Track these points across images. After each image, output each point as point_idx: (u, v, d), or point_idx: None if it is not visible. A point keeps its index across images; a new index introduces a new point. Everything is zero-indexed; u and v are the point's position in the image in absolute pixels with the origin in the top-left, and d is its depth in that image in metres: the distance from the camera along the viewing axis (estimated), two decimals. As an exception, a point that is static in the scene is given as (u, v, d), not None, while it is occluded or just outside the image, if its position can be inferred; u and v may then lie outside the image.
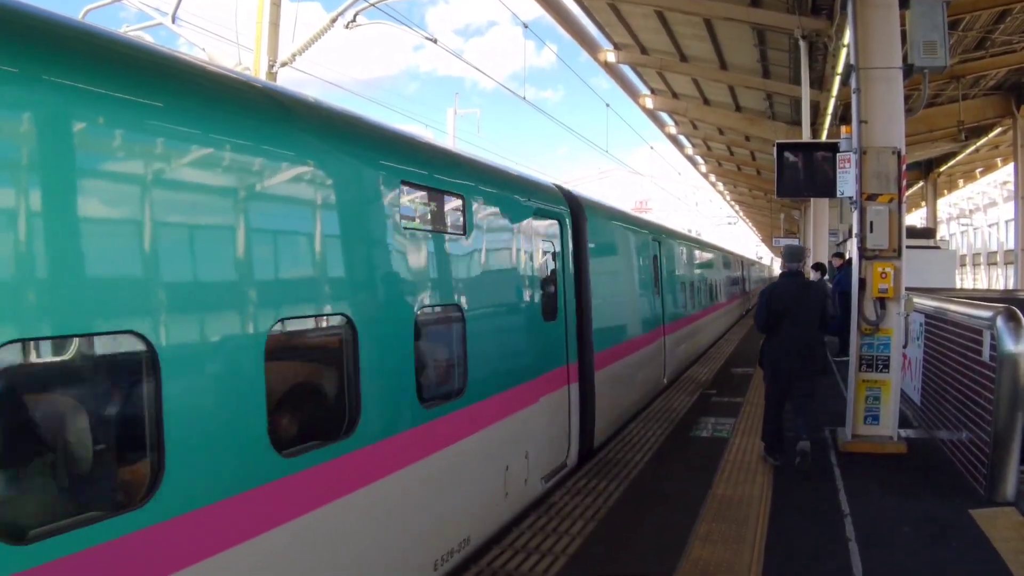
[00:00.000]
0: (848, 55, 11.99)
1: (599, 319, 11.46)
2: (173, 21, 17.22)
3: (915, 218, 61.61)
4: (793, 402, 10.46)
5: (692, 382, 17.43)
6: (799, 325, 10.11)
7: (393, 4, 18.03)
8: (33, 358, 4.22)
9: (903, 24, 10.97)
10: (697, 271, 24.72)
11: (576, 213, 10.88)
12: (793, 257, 10.99)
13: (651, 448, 11.22)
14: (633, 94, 34.90)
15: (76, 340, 4.19)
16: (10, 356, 3.67)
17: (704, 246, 29.34)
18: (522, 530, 7.79)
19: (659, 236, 17.59)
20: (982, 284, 76.10)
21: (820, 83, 25.01)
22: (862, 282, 10.84)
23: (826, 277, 20.64)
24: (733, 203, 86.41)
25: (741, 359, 21.35)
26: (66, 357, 4.38)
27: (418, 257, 6.55)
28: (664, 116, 40.70)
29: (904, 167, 10.85)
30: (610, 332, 12.41)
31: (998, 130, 31.87)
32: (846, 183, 11.02)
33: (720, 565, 6.87)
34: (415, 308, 6.40)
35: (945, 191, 59.57)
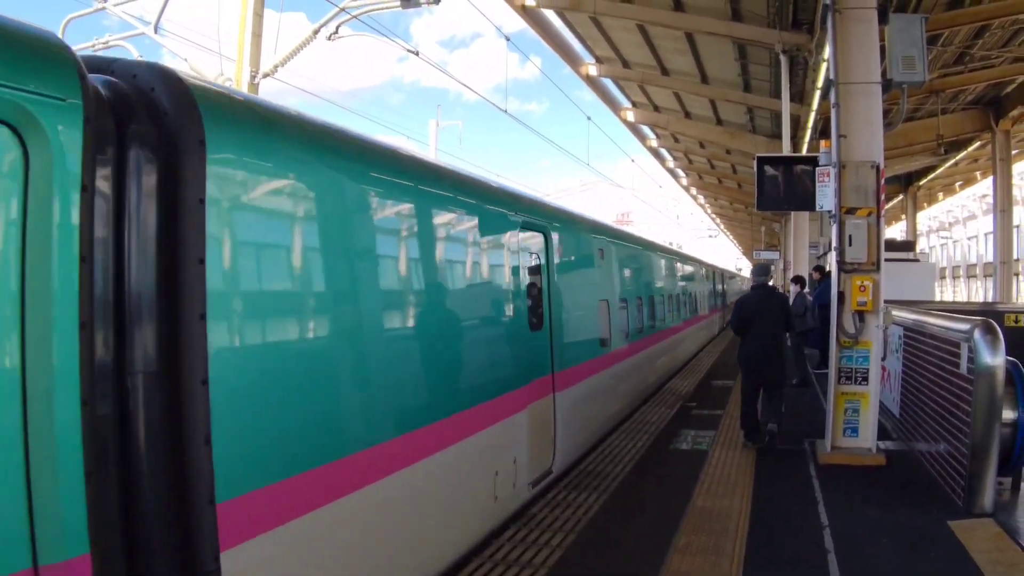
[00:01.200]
0: (828, 70, 12.08)
1: (292, 397, 4.99)
2: (156, 31, 17.20)
3: (895, 231, 62.01)
4: (764, 394, 12.19)
5: (672, 394, 17.43)
6: (764, 327, 12.12)
7: (378, 16, 18.06)
8: None
9: (882, 39, 11.05)
10: (640, 284, 17.62)
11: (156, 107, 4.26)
12: (760, 273, 13.64)
13: (631, 460, 11.21)
14: (615, 107, 35.09)
15: None
16: None
17: (651, 248, 20.89)
18: (501, 542, 7.77)
19: (547, 225, 10.30)
20: (962, 296, 76.53)
21: (800, 97, 25.21)
22: (841, 295, 10.89)
23: (806, 290, 20.66)
24: (714, 216, 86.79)
25: (722, 372, 21.32)
26: None
27: None
28: (645, 129, 40.91)
29: (883, 181, 10.91)
30: (344, 419, 5.61)
31: (977, 144, 32.13)
32: (825, 197, 11.07)
33: (699, 577, 6.88)
34: None
35: (924, 204, 59.86)
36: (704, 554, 7.42)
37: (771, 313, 12.21)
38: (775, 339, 12.26)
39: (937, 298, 41.10)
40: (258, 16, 16.93)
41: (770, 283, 13.68)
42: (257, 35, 16.92)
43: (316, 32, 17.38)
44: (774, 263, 55.05)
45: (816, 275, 20.34)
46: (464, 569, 7.07)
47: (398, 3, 16.77)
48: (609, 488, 9.74)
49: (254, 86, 16.76)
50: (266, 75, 17.16)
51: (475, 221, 8.10)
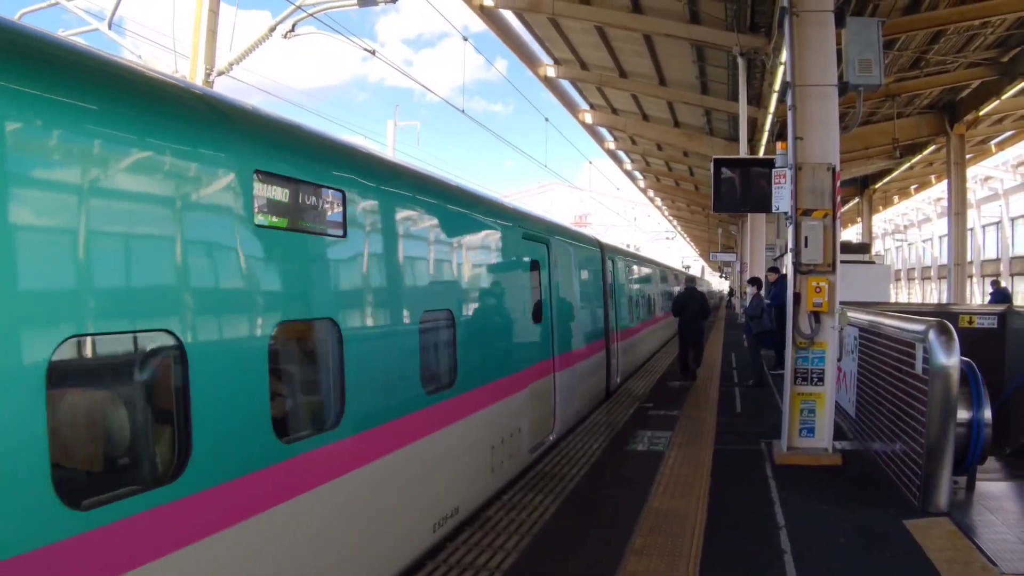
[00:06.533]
0: (785, 72, 12.09)
1: None
2: (110, 27, 16.95)
3: (851, 233, 62.62)
4: (691, 349, 20.08)
5: (629, 395, 17.40)
6: (690, 312, 19.94)
7: (343, 14, 17.95)
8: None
9: (839, 43, 11.09)
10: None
11: None
12: (689, 281, 23.83)
13: (587, 462, 11.17)
14: (573, 109, 35.11)
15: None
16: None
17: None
18: (456, 545, 7.69)
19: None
20: (916, 298, 77.50)
21: (758, 100, 25.39)
22: (797, 296, 10.91)
23: (763, 292, 20.66)
24: (671, 218, 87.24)
25: (678, 374, 21.31)
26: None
27: None
28: (603, 131, 40.99)
29: (839, 183, 10.94)
30: None
31: (932, 148, 32.52)
32: (781, 198, 11.08)
33: (656, 579, 6.84)
34: None
35: (880, 207, 60.58)
36: (661, 556, 7.38)
37: (695, 304, 20.15)
38: (697, 318, 20.10)
39: (892, 299, 41.50)
40: (213, 13, 16.73)
41: (697, 287, 22.43)
42: (212, 32, 16.71)
43: (272, 30, 17.21)
44: (729, 269, 55.44)
45: (771, 276, 20.37)
46: (417, 573, 6.99)
47: (355, 1, 16.64)
48: (565, 490, 9.69)
49: (209, 84, 16.58)
50: (221, 73, 16.97)
51: None
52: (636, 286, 24.91)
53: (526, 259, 11.75)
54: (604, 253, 18.83)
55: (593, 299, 17.17)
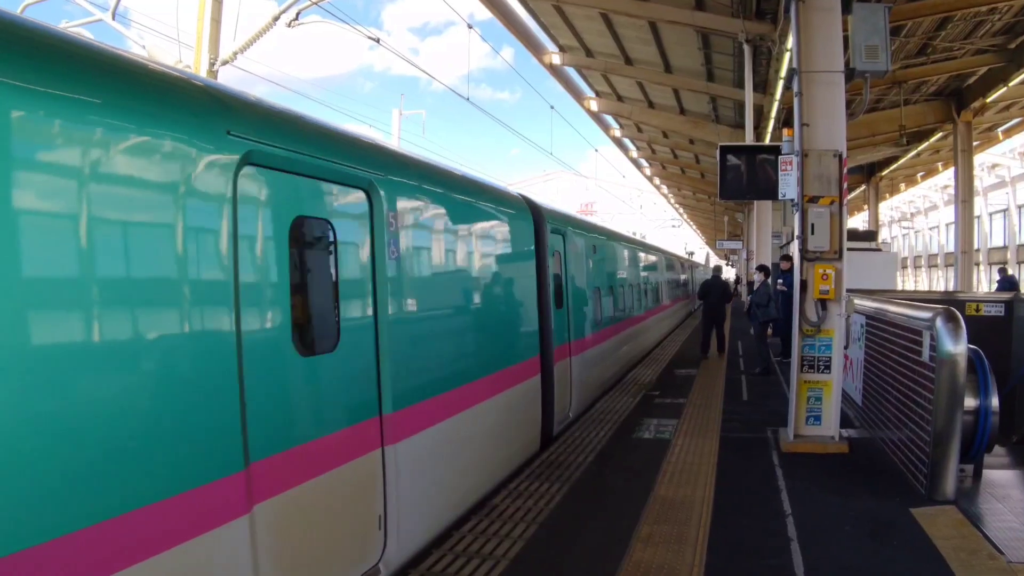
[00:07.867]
0: (791, 59, 12.05)
1: None
2: (113, 18, 16.90)
3: (857, 221, 62.57)
4: (714, 331, 22.65)
5: (635, 384, 17.38)
6: (714, 297, 22.39)
7: (347, 2, 17.90)
8: None
9: (846, 29, 11.04)
10: None
11: None
12: (716, 270, 25.08)
13: (593, 450, 11.16)
14: (578, 96, 34.99)
15: None
16: None
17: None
18: (463, 534, 7.69)
19: None
20: (923, 286, 77.45)
21: (764, 87, 25.28)
22: (803, 283, 10.89)
23: (770, 279, 20.59)
24: (677, 206, 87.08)
25: (684, 361, 21.35)
26: None
27: None
28: (609, 119, 40.85)
29: (845, 170, 10.90)
30: None
31: (939, 135, 32.35)
32: (788, 185, 11.04)
33: (662, 567, 6.82)
34: None
35: (887, 195, 60.39)
36: (667, 543, 7.38)
37: (718, 291, 22.47)
38: (720, 303, 22.47)
39: (899, 287, 41.46)
40: (217, 1, 16.69)
41: (721, 275, 24.61)
42: (216, 20, 16.67)
43: (276, 19, 17.15)
44: (735, 257, 55.50)
45: (784, 265, 20.15)
46: (424, 561, 6.98)
47: (360, -11, 16.58)
48: (571, 478, 9.68)
49: (213, 73, 16.54)
50: (225, 62, 16.93)
51: None
52: (609, 275, 18.03)
53: (285, 219, 5.47)
54: (542, 223, 11.94)
55: (512, 296, 10.62)
